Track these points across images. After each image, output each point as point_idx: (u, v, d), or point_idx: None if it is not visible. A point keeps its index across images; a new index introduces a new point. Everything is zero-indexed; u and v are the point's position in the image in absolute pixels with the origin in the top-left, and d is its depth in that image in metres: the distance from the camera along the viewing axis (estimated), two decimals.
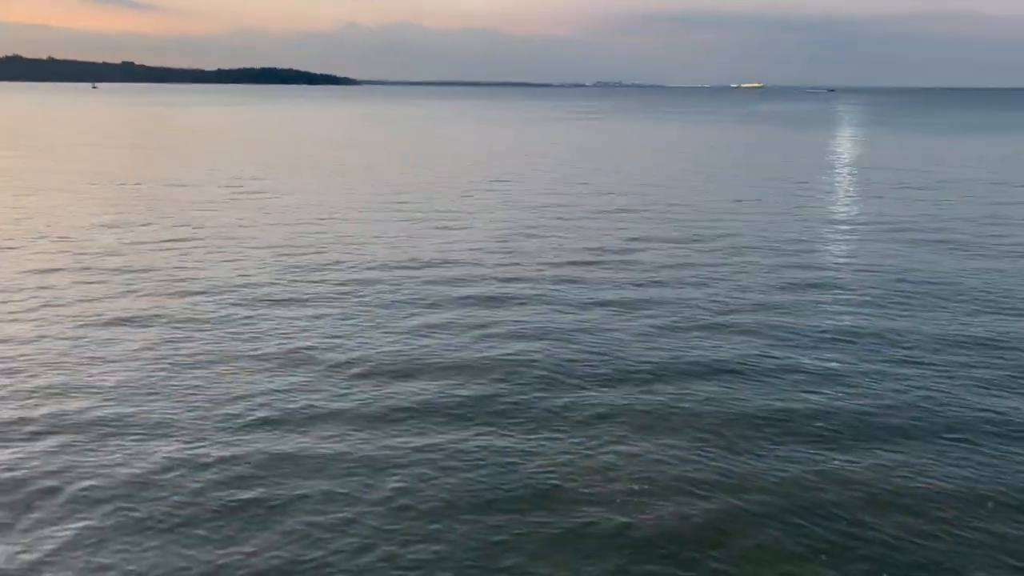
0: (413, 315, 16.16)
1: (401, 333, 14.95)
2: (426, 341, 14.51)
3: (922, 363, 13.46)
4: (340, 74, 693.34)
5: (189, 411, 11.32)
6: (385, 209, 29.93)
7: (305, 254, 21.81)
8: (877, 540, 8.39)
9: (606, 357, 13.73)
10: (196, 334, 14.70)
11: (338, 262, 20.87)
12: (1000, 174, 42.99)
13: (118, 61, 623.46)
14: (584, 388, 12.38)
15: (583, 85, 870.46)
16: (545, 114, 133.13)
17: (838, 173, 44.23)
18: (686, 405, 11.73)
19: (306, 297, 17.44)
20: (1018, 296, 17.98)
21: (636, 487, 9.40)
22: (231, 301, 16.98)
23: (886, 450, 10.33)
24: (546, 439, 10.64)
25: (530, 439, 10.64)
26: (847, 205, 32.13)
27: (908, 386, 12.45)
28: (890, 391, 12.25)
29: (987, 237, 24.86)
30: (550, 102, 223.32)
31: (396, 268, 20.23)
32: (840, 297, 17.93)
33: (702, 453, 10.26)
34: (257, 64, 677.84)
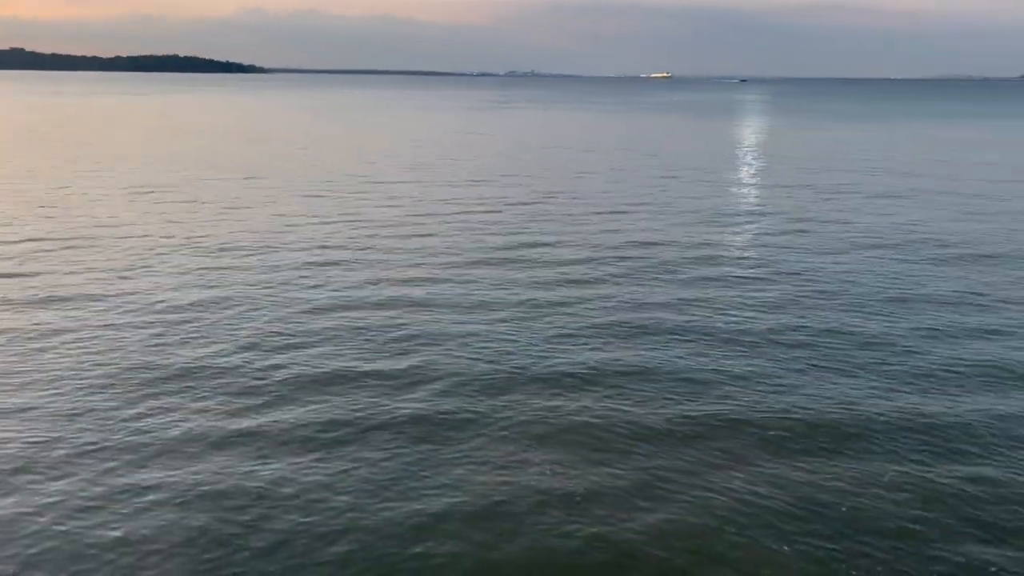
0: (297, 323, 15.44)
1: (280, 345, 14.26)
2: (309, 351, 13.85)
3: (820, 361, 13.58)
4: (247, 62, 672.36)
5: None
6: (292, 203, 28.87)
7: (206, 250, 20.75)
8: (793, 533, 8.28)
9: (504, 363, 13.35)
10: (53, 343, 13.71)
11: (226, 267, 19.89)
12: (885, 160, 44.64)
13: (6, 47, 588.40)
14: (484, 395, 11.99)
15: (496, 74, 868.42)
16: (458, 103, 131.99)
17: (739, 161, 45.10)
18: (584, 414, 11.46)
19: (220, 299, 16.49)
20: (911, 290, 18.41)
21: (541, 498, 9.07)
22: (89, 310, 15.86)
23: (799, 450, 10.30)
24: (450, 450, 10.22)
25: (430, 448, 10.19)
26: (745, 195, 32.70)
27: (817, 386, 12.51)
28: (798, 392, 12.25)
29: (880, 227, 25.58)
30: (463, 91, 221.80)
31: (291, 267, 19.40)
32: (744, 295, 17.99)
33: (597, 463, 10.02)
34: (158, 51, 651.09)
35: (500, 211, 27.69)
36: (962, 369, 12.95)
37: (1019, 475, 9.61)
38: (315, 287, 17.64)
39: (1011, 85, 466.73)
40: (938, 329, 15.05)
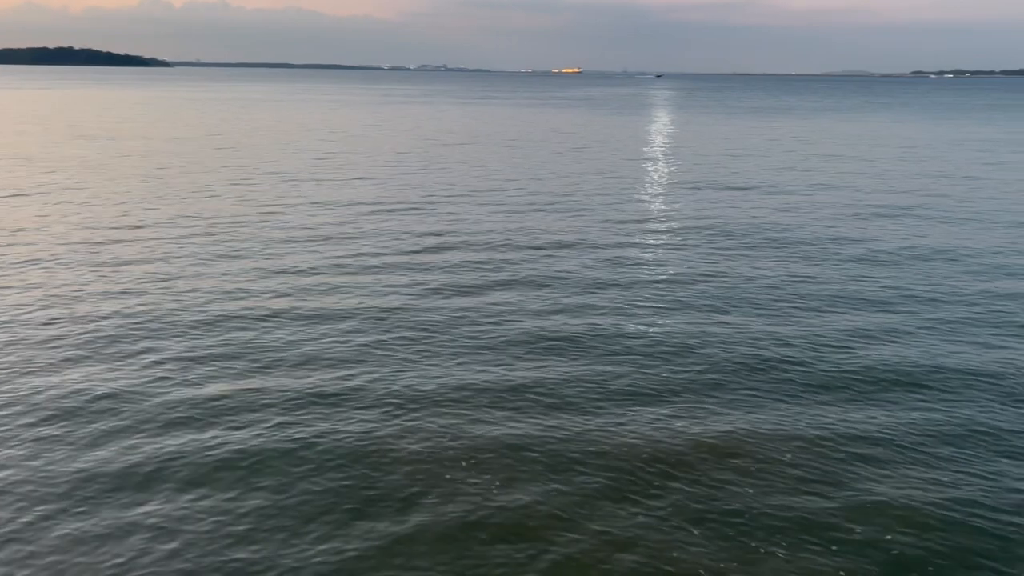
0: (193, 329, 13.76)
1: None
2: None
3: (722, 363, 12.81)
4: (147, 55, 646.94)
5: None
6: (187, 201, 26.76)
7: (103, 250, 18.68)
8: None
9: (404, 378, 12.08)
10: None
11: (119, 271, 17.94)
12: (786, 154, 45.21)
13: None
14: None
15: (407, 69, 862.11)
16: (370, 98, 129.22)
17: (649, 157, 44.90)
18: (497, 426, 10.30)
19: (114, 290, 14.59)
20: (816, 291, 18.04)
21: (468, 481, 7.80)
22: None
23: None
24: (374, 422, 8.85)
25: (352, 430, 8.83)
26: (653, 194, 32.30)
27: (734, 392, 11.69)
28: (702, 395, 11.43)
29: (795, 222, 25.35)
30: (374, 85, 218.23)
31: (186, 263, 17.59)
32: (652, 296, 17.23)
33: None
34: (51, 43, 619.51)
35: (399, 211, 26.28)
36: (855, 375, 12.34)
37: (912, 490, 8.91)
38: (207, 300, 15.90)
39: (904, 81, 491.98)
40: (843, 331, 14.53)
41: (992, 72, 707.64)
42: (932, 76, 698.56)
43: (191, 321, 14.06)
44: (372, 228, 22.54)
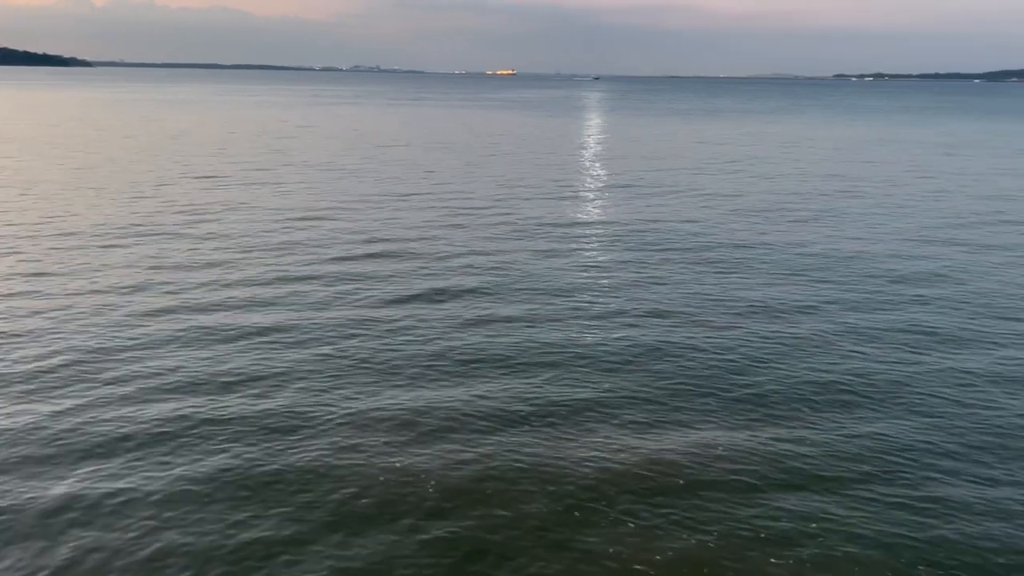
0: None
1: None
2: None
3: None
4: (68, 54, 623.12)
5: None
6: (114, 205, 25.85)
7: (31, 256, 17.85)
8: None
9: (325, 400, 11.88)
10: None
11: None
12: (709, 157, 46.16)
13: None
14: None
15: (339, 69, 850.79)
16: (300, 99, 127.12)
17: (578, 156, 45.25)
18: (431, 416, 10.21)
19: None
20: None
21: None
22: None
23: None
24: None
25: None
26: (584, 197, 32.56)
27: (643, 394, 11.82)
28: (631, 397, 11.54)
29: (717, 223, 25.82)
30: (306, 86, 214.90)
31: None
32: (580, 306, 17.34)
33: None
34: None
35: (326, 217, 25.90)
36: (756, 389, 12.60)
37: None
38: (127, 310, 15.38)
39: (827, 84, 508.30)
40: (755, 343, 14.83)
41: (910, 76, 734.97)
42: (854, 79, 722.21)
43: (102, 330, 13.63)
44: (299, 236, 22.06)
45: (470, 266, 18.77)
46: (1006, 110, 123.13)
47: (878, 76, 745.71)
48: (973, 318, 15.39)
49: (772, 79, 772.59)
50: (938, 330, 14.58)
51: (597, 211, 26.86)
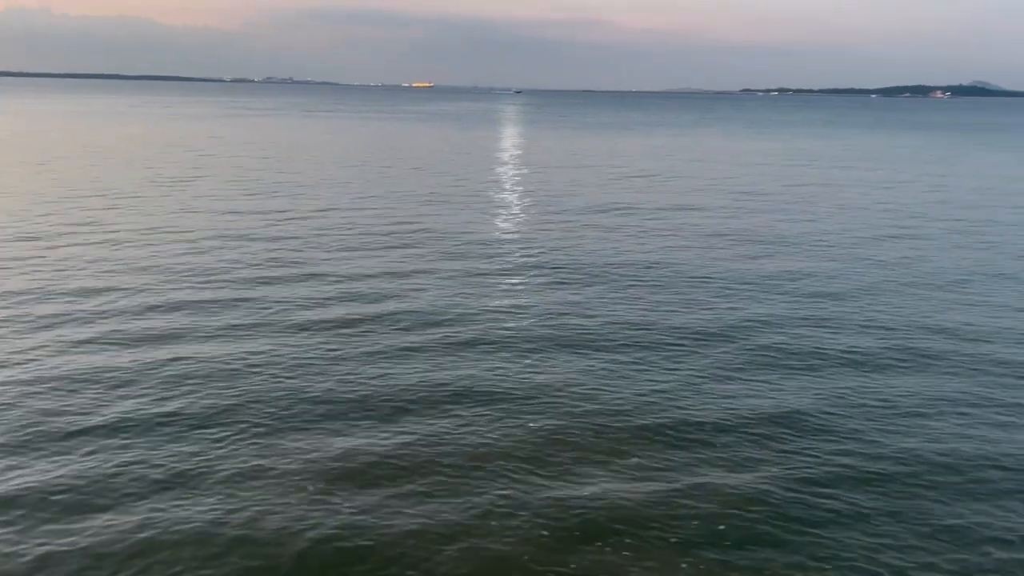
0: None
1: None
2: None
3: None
4: None
5: None
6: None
7: None
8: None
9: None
10: None
11: None
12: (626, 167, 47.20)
13: None
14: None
15: (251, 81, 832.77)
16: (212, 110, 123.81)
17: (497, 171, 45.54)
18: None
19: None
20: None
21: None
22: None
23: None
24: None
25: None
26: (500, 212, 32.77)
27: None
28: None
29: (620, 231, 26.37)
30: (217, 97, 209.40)
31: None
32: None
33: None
34: None
35: (236, 236, 25.36)
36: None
37: None
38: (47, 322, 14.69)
39: (734, 98, 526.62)
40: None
41: (811, 90, 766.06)
42: (760, 94, 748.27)
43: None
44: (204, 259, 21.38)
45: (379, 290, 18.50)
46: (899, 124, 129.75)
47: (783, 90, 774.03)
48: (887, 335, 16.17)
49: (682, 93, 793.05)
50: (847, 351, 15.24)
51: (512, 227, 27.06)
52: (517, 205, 31.07)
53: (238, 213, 27.51)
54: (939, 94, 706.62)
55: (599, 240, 24.09)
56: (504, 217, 28.16)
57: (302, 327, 14.88)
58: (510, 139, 72.66)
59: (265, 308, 16.02)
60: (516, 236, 24.52)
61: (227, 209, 28.33)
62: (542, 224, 26.59)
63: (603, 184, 38.11)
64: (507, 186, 37.10)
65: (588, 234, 24.98)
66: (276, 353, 13.39)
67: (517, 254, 21.85)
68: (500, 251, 22.23)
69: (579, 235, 24.80)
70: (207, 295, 16.96)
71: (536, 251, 22.19)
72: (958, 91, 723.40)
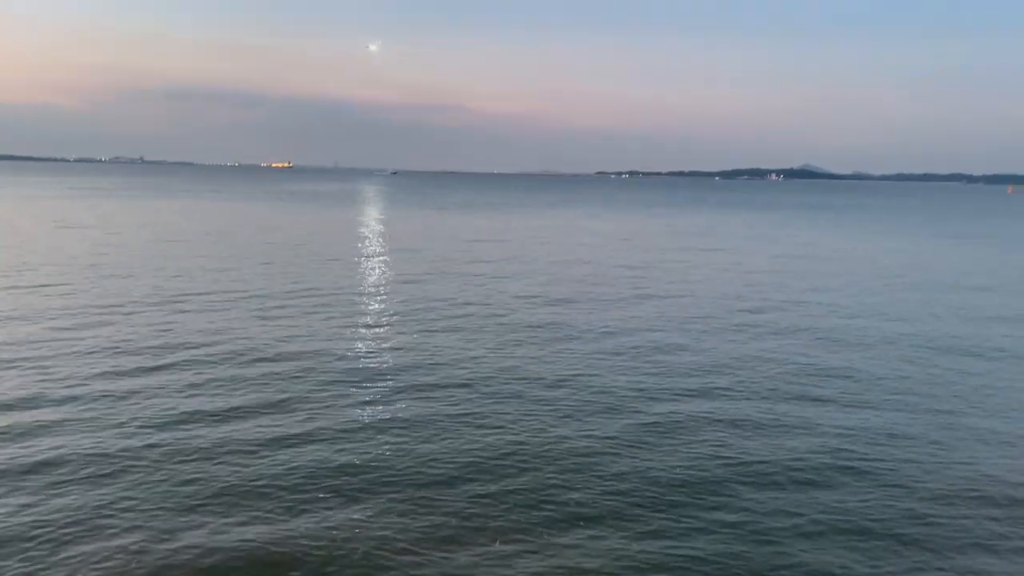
0: None
1: None
2: None
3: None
4: None
5: None
6: None
7: None
8: None
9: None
10: None
11: None
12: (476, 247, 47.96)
13: None
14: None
15: (98, 160, 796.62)
16: (52, 191, 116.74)
17: (364, 249, 45.16)
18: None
19: None
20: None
21: None
22: None
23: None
24: None
25: None
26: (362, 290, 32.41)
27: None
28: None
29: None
30: (59, 178, 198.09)
31: None
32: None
33: None
34: None
35: (83, 326, 23.78)
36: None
37: None
38: None
39: (590, 180, 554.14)
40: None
41: (660, 172, 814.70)
42: (612, 176, 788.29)
43: None
44: (55, 349, 20.03)
45: (238, 379, 17.81)
46: (739, 203, 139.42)
47: (633, 173, 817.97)
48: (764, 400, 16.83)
49: (540, 175, 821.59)
50: (732, 417, 15.76)
51: (376, 307, 26.75)
52: (384, 285, 30.75)
53: (93, 301, 25.75)
54: (773, 176, 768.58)
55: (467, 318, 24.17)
56: (373, 297, 27.79)
57: (182, 417, 13.94)
58: (378, 219, 72.42)
59: (128, 398, 14.93)
60: (384, 314, 24.21)
61: (81, 297, 26.48)
62: (412, 301, 26.42)
63: (467, 261, 38.49)
64: (374, 267, 36.77)
65: (459, 312, 25.01)
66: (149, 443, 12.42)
67: (380, 336, 21.52)
68: (367, 333, 21.83)
69: (448, 313, 24.78)
70: (73, 389, 15.65)
71: (402, 331, 21.98)
72: (789, 173, 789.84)
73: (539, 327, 23.40)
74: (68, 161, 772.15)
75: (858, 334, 23.54)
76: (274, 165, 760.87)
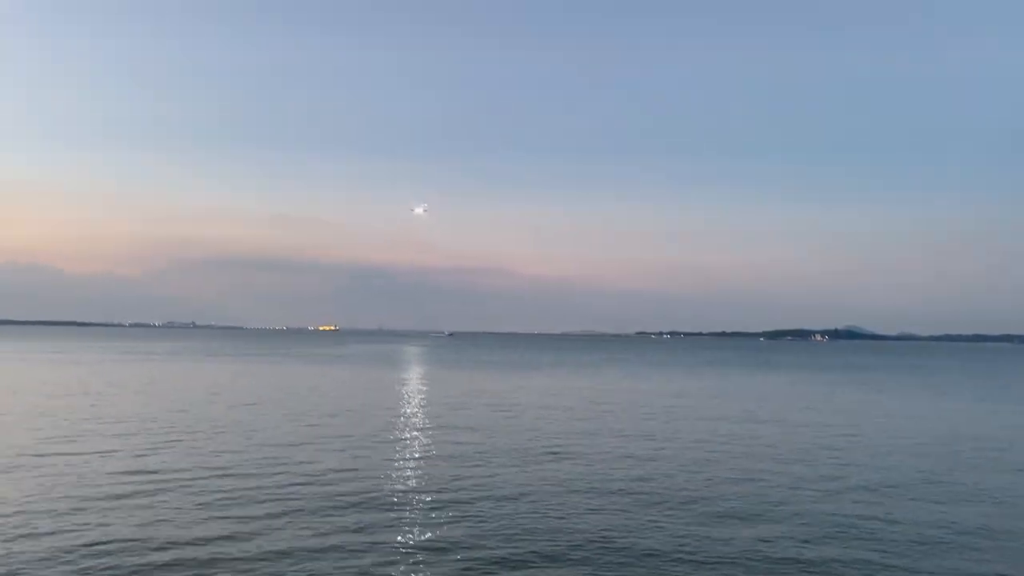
0: None
1: None
2: None
3: None
4: None
5: None
6: None
7: None
8: None
9: None
10: None
11: None
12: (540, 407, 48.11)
13: None
14: None
15: (152, 325, 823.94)
16: (105, 356, 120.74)
17: (413, 414, 45.65)
18: None
19: None
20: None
21: None
22: None
23: None
24: None
25: None
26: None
27: None
28: None
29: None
30: (114, 343, 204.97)
31: None
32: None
33: None
34: None
35: (128, 495, 24.41)
36: None
37: None
38: None
39: (631, 339, 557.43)
40: None
41: (701, 333, 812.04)
42: (653, 336, 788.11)
43: None
44: (95, 518, 20.54)
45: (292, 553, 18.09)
46: (787, 364, 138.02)
47: (675, 333, 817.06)
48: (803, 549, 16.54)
49: (582, 335, 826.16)
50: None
51: (418, 474, 26.93)
52: (436, 453, 30.99)
53: (140, 465, 26.42)
54: (817, 337, 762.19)
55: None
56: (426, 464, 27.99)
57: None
58: (430, 380, 73.18)
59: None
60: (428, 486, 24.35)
61: (126, 462, 27.21)
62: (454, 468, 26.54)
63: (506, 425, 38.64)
64: (430, 432, 37.11)
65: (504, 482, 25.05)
66: None
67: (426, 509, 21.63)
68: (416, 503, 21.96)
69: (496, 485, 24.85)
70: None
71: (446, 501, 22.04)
72: (834, 334, 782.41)
73: (635, 493, 23.30)
74: (124, 326, 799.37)
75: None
76: (321, 328, 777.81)
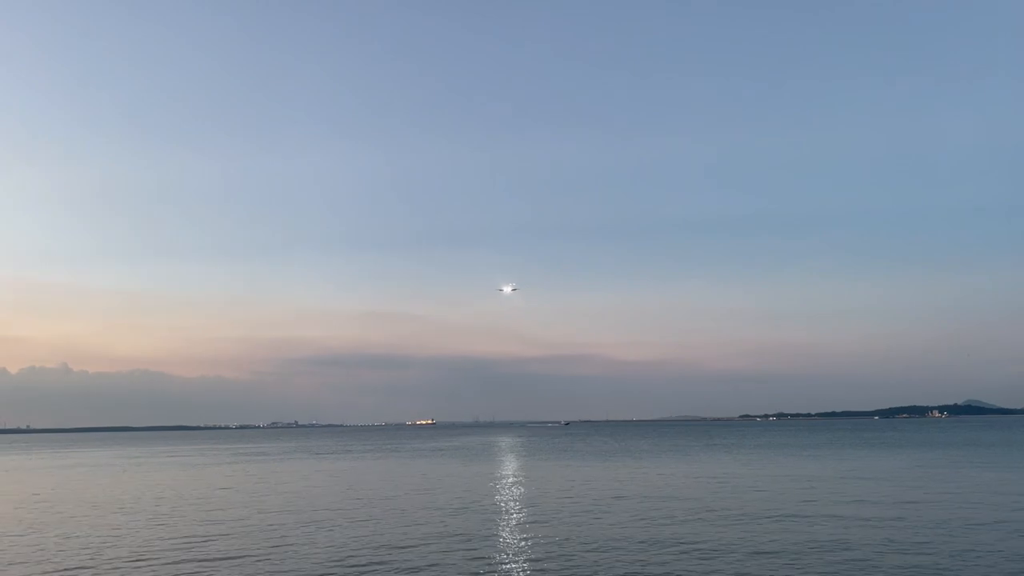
0: None
1: None
2: None
3: None
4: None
5: None
6: None
7: None
8: None
9: None
10: None
11: None
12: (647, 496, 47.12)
13: None
14: None
15: (256, 426, 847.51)
16: (209, 459, 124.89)
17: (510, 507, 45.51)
18: None
19: None
20: None
21: None
22: None
23: None
24: None
25: None
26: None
27: None
28: None
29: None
30: (220, 445, 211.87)
31: None
32: None
33: None
34: None
35: None
36: None
37: None
38: None
39: (735, 425, 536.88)
40: None
41: (809, 414, 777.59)
42: (758, 419, 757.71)
43: None
44: None
45: None
46: (903, 443, 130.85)
47: (780, 415, 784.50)
48: None
49: (681, 421, 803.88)
50: None
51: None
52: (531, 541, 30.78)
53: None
54: (935, 413, 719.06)
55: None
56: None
57: None
58: (528, 471, 72.68)
59: None
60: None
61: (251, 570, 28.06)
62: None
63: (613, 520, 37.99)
64: (522, 526, 36.95)
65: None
66: None
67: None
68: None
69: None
70: None
71: None
72: (953, 410, 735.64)
73: None
74: (230, 428, 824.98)
75: None
76: (419, 423, 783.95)
